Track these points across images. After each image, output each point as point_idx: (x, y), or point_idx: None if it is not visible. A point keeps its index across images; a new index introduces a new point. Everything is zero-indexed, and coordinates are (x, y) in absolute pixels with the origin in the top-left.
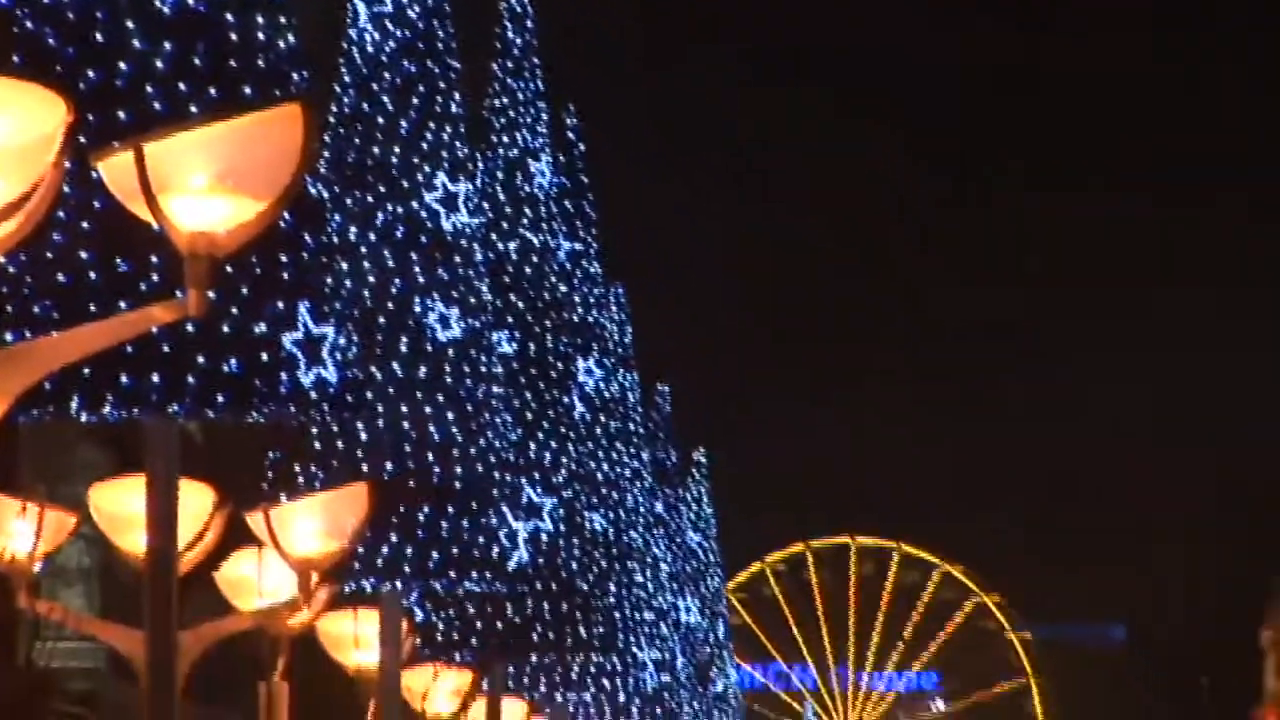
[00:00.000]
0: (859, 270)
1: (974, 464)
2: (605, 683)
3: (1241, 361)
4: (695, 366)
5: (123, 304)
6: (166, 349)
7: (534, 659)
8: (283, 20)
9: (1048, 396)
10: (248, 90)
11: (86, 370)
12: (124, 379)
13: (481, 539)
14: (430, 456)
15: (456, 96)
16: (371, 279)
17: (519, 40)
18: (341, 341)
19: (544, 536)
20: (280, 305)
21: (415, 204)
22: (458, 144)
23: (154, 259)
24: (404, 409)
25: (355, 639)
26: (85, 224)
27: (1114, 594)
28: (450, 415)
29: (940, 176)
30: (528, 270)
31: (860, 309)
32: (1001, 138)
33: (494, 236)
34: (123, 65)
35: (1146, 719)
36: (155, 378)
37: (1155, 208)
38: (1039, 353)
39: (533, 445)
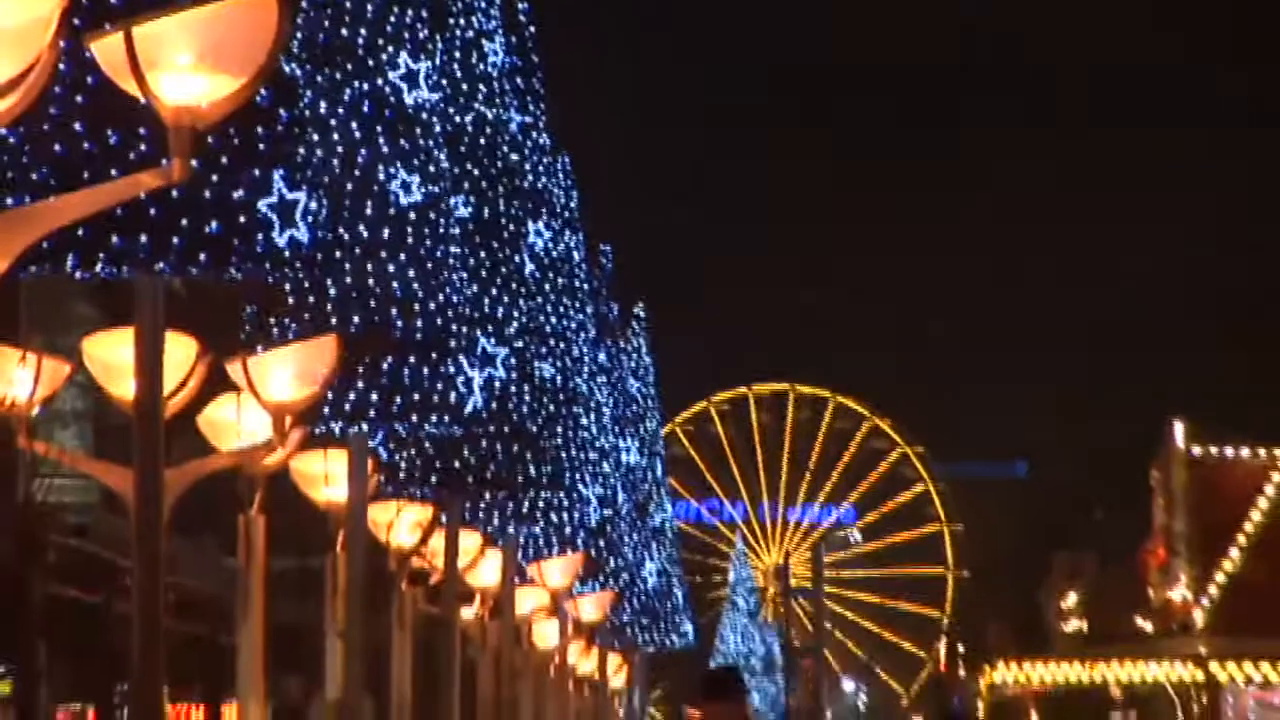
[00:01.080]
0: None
1: (877, 311)
2: (554, 516)
3: (1143, 205)
4: (636, 229)
5: (114, 171)
6: (153, 212)
7: (488, 495)
8: None
9: (963, 249)
10: None
11: (81, 231)
12: (115, 239)
13: (440, 385)
14: (394, 311)
15: None
16: (340, 149)
17: None
18: (313, 206)
19: (497, 383)
20: (257, 173)
21: (380, 81)
22: (419, 26)
23: (142, 131)
24: (369, 267)
25: (325, 476)
26: (79, 99)
27: (1018, 434)
28: (412, 273)
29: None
30: (482, 141)
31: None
32: None
33: (451, 110)
34: None
35: (1044, 542)
36: (143, 238)
37: None
38: (951, 199)
39: (487, 300)
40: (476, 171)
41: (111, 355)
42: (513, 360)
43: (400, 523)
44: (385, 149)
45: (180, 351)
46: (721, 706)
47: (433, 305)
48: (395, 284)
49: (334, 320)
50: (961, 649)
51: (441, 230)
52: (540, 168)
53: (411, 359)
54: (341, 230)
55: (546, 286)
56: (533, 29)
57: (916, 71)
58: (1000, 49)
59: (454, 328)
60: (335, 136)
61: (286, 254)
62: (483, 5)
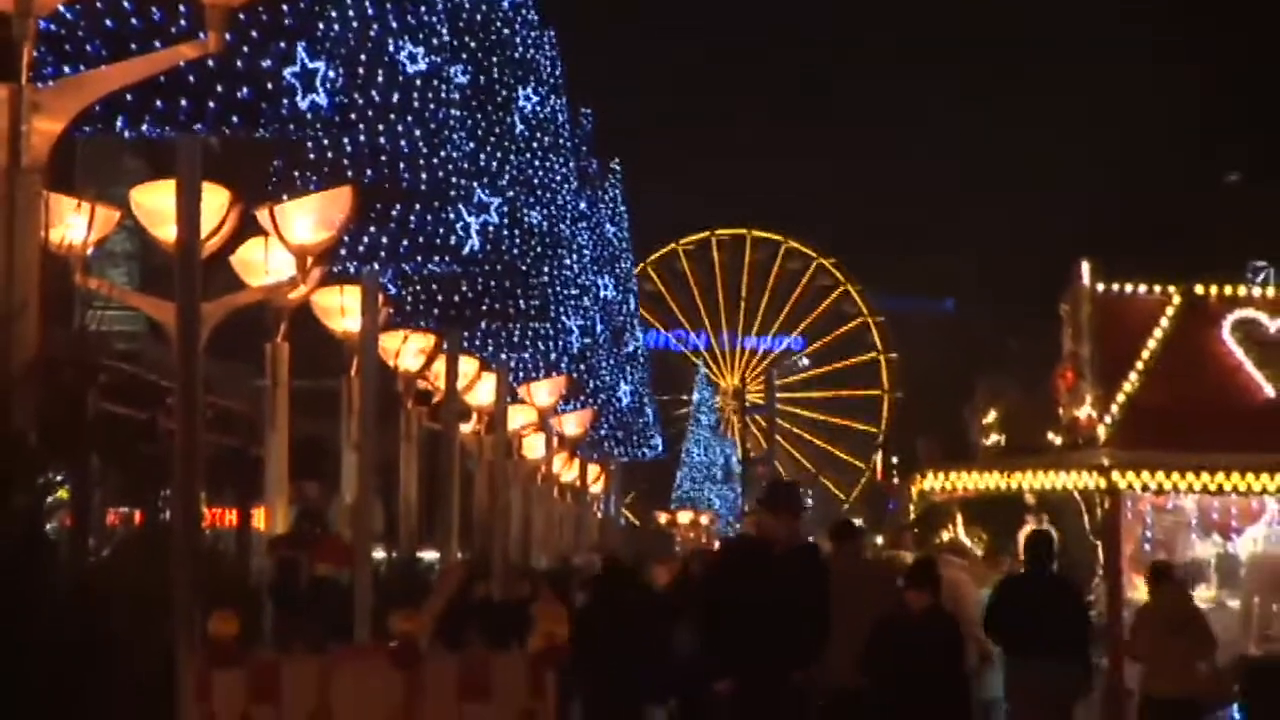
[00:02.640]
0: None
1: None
2: (540, 344)
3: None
4: (614, 93)
5: (157, 44)
6: (192, 79)
7: (483, 325)
8: None
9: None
10: None
11: (129, 96)
12: (159, 103)
13: (442, 230)
14: (401, 165)
15: None
16: (355, 24)
17: None
18: (331, 74)
19: (491, 228)
20: (282, 45)
21: None
22: None
23: (182, 8)
24: (380, 127)
25: (341, 309)
26: None
27: (947, 276)
28: (417, 132)
29: None
30: (478, 17)
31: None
32: None
33: None
34: None
35: (969, 369)
36: (183, 102)
37: None
38: (882, 64)
39: (482, 156)
40: (473, 44)
41: (156, 203)
42: (505, 208)
43: (406, 349)
44: (394, 24)
45: (215, 200)
46: (778, 519)
47: (435, 160)
48: (402, 142)
49: (349, 174)
50: (895, 460)
51: (443, 95)
52: (529, 40)
53: (417, 207)
54: (356, 95)
55: (535, 144)
56: None
57: None
58: None
59: (453, 180)
60: (350, 12)
61: (308, 116)
62: None
